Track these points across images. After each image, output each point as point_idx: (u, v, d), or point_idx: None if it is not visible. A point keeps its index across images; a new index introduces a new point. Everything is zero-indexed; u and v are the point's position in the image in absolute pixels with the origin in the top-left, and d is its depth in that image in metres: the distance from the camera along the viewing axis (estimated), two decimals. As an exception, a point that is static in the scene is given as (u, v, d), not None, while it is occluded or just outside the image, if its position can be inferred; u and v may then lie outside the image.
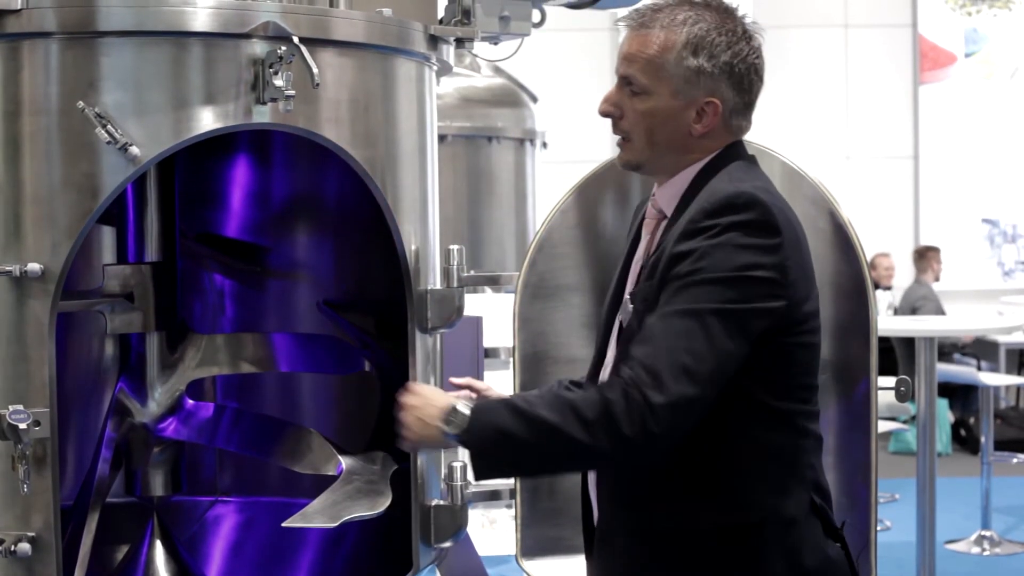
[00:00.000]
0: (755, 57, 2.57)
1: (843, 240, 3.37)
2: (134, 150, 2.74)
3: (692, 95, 2.52)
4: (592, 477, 2.71)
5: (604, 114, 2.58)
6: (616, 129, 2.59)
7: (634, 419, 2.34)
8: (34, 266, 2.74)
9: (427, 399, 2.52)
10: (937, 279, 11.69)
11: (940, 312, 10.96)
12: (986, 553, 7.71)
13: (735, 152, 2.59)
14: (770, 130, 11.84)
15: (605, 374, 2.64)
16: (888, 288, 11.88)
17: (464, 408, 2.46)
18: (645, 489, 2.52)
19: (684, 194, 2.54)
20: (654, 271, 2.47)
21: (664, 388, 2.33)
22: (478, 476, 2.48)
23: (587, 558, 2.78)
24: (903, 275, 12.49)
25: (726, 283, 2.36)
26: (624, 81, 2.55)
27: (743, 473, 2.48)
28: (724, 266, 2.37)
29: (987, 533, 7.83)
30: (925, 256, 11.77)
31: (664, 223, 2.58)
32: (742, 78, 2.55)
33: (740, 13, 2.60)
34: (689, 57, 2.49)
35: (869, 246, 3.50)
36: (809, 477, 2.54)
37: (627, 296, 2.60)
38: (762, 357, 2.42)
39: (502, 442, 2.43)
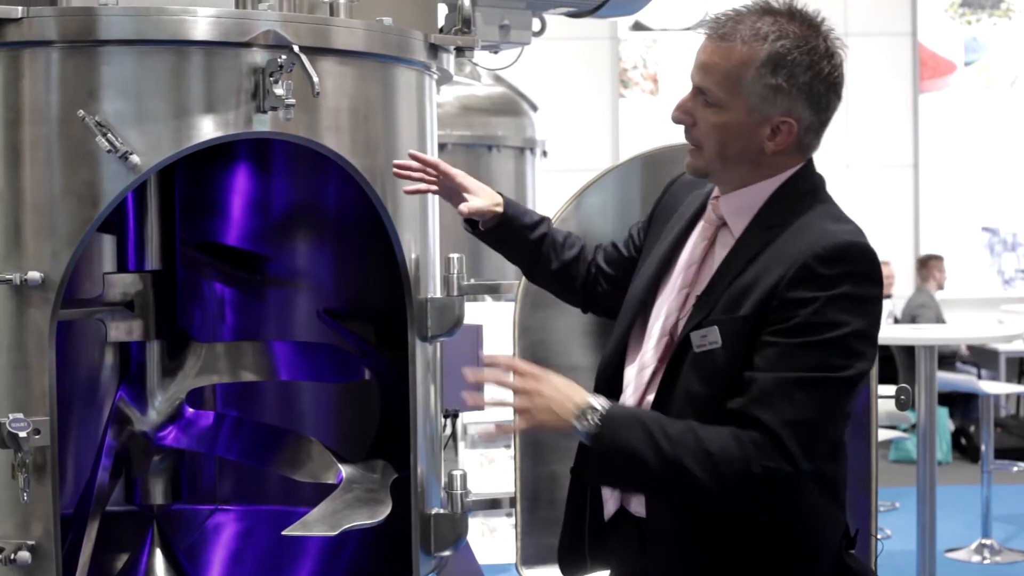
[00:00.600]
0: (836, 76, 2.53)
1: (843, 248, 3.36)
2: (134, 159, 2.74)
3: (767, 113, 2.45)
4: None
5: (677, 121, 2.52)
6: (688, 136, 2.54)
7: (775, 488, 2.37)
8: (34, 274, 2.74)
9: (564, 393, 2.45)
10: (940, 287, 11.68)
11: (939, 320, 10.96)
12: (986, 562, 7.70)
13: (813, 175, 2.55)
14: (770, 138, 11.86)
15: (641, 379, 2.60)
16: (888, 296, 11.87)
17: (599, 407, 2.42)
18: (705, 530, 2.50)
19: (759, 213, 2.50)
20: (740, 303, 2.42)
21: (812, 457, 2.35)
22: (590, 482, 2.52)
23: (591, 550, 2.75)
24: (903, 283, 12.49)
25: (844, 342, 2.34)
26: (698, 90, 2.50)
27: (807, 507, 2.47)
28: (842, 324, 2.34)
29: (987, 542, 7.82)
30: (927, 265, 11.77)
31: (725, 233, 2.54)
32: (820, 98, 2.50)
33: (826, 27, 2.54)
34: (768, 75, 2.43)
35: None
36: (843, 497, 2.56)
37: (676, 311, 2.56)
38: None
39: (629, 462, 2.40)
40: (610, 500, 2.69)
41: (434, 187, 3.04)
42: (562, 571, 2.82)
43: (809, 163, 2.56)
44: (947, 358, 10.92)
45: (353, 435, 3.64)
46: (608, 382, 2.68)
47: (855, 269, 2.36)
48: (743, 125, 2.46)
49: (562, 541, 2.80)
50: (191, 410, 3.48)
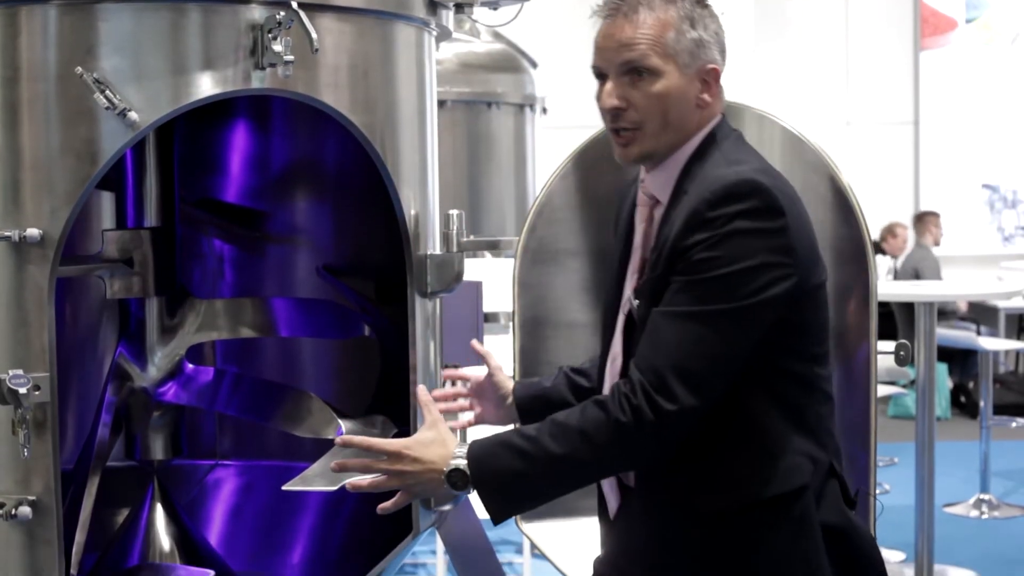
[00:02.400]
0: (720, 24, 2.58)
1: (843, 205, 3.37)
2: (132, 115, 2.74)
3: (696, 66, 2.49)
4: None
5: (614, 108, 2.50)
6: (622, 123, 2.51)
7: (645, 432, 2.37)
8: (33, 232, 2.74)
9: (427, 464, 2.47)
10: (937, 243, 11.68)
11: (938, 275, 10.97)
12: (984, 516, 7.73)
13: (722, 127, 2.56)
14: (771, 96, 11.83)
15: (613, 368, 2.63)
16: (894, 257, 11.87)
17: (460, 459, 2.44)
18: (679, 475, 2.51)
19: (679, 178, 2.51)
20: (658, 263, 2.46)
21: (675, 397, 2.35)
22: (495, 521, 2.48)
23: (602, 522, 2.77)
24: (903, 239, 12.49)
25: (736, 277, 2.35)
26: (624, 70, 2.49)
27: (777, 441, 2.47)
28: (732, 259, 2.35)
29: (986, 497, 7.85)
30: (923, 220, 11.76)
31: (660, 210, 2.55)
32: (723, 46, 2.55)
33: None
34: (689, 30, 2.47)
35: (869, 211, 3.50)
36: (829, 443, 2.55)
37: (631, 291, 2.58)
38: (778, 331, 2.42)
39: (513, 485, 2.44)
40: (611, 497, 2.71)
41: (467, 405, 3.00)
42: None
43: (721, 122, 2.57)
44: (945, 315, 10.93)
45: (353, 391, 3.64)
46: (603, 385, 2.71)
47: (746, 206, 2.36)
48: (679, 86, 2.48)
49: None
50: (191, 366, 3.49)
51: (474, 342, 2.96)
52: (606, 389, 2.64)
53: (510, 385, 2.89)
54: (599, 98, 2.53)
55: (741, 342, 2.39)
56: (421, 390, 2.71)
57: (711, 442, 2.46)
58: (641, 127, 2.50)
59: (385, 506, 2.53)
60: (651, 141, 2.51)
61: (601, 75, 2.54)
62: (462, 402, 2.99)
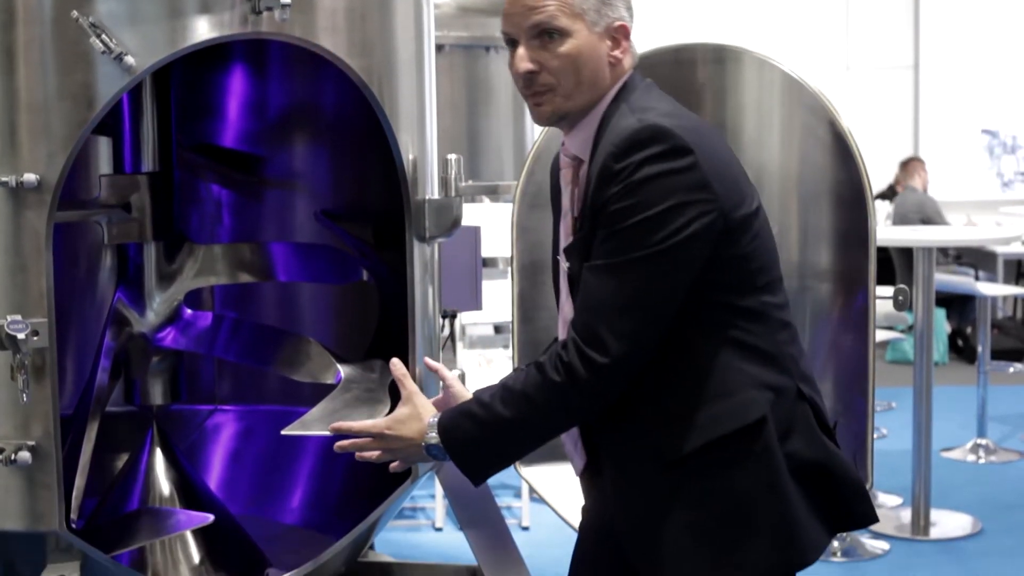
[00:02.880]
0: None
1: (843, 149, 3.36)
2: (129, 60, 2.72)
3: (604, 23, 2.49)
4: None
5: (528, 73, 2.49)
6: (536, 86, 2.52)
7: (581, 388, 2.42)
8: (30, 176, 2.73)
9: (407, 439, 2.61)
10: (925, 188, 11.65)
11: (942, 217, 10.96)
12: (981, 461, 7.75)
13: (633, 83, 2.56)
14: (770, 40, 11.78)
15: (567, 329, 2.65)
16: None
17: (432, 428, 2.57)
18: (639, 422, 2.52)
19: (596, 135, 2.52)
20: (584, 222, 2.48)
21: (606, 349, 2.38)
22: (476, 483, 2.59)
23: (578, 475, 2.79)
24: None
25: (653, 221, 2.36)
26: (533, 33, 2.49)
27: (731, 377, 2.48)
28: (647, 204, 2.36)
29: (982, 441, 7.86)
30: (909, 166, 11.71)
31: (583, 168, 2.55)
32: (629, 3, 2.55)
33: None
34: None
35: (868, 156, 3.49)
36: (793, 369, 2.55)
37: (562, 252, 2.60)
38: (714, 267, 2.43)
39: (479, 450, 2.54)
40: (575, 457, 2.74)
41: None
42: None
43: (633, 75, 2.57)
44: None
45: (351, 336, 3.65)
46: None
47: (651, 152, 2.37)
48: (589, 43, 2.48)
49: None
50: (189, 311, 3.49)
51: (426, 359, 2.97)
52: None
53: (468, 395, 2.90)
54: (512, 65, 2.53)
55: (669, 285, 2.40)
56: (395, 364, 2.77)
57: (665, 386, 2.48)
58: (554, 88, 2.51)
59: (395, 465, 2.67)
60: (565, 101, 2.52)
61: (512, 41, 2.53)
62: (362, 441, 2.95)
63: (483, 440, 2.52)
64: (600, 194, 2.40)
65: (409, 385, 2.68)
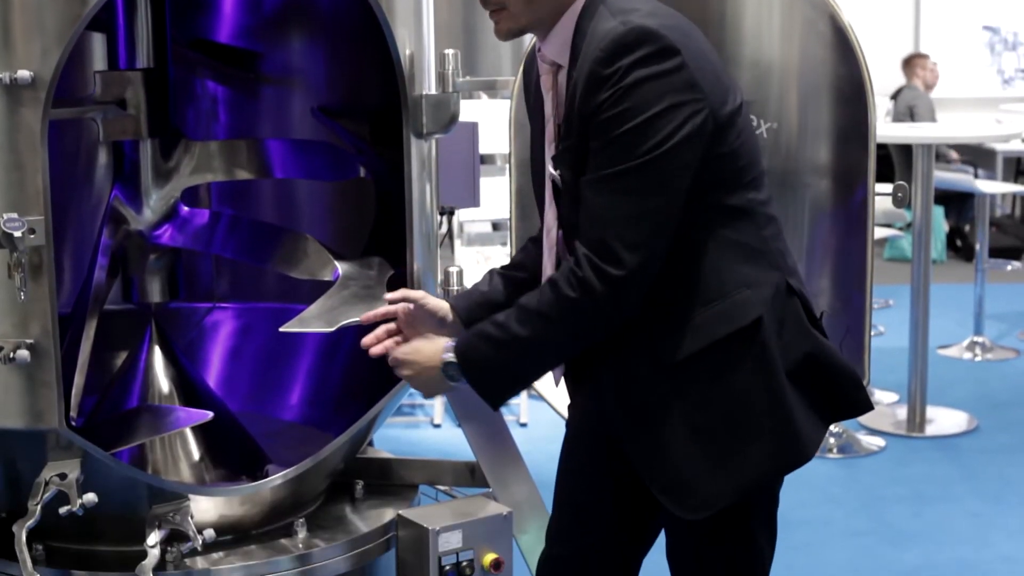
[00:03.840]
0: None
1: (843, 44, 3.34)
2: (122, -48, 2.69)
3: None
4: None
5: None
6: (490, 5, 2.53)
7: (598, 302, 2.41)
8: (24, 73, 2.71)
9: (420, 362, 2.64)
10: (929, 86, 11.58)
11: (932, 117, 10.92)
12: (978, 359, 7.79)
13: None
14: (770, -66, 11.66)
15: (550, 239, 2.65)
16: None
17: (450, 353, 2.57)
18: (637, 328, 2.52)
19: (573, 40, 2.49)
20: (571, 129, 2.45)
21: (620, 261, 2.37)
22: (494, 406, 2.61)
23: (569, 382, 2.79)
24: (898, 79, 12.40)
25: (648, 126, 2.35)
26: None
27: (724, 277, 2.48)
28: (640, 109, 2.34)
29: (979, 339, 7.90)
30: (911, 63, 11.65)
31: (562, 73, 2.53)
32: None
33: None
34: None
35: (869, 52, 3.47)
36: (781, 264, 2.55)
37: (550, 160, 2.57)
38: (703, 167, 2.42)
39: (498, 373, 2.55)
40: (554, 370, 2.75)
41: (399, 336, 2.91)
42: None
43: None
44: (937, 160, 10.89)
45: (349, 233, 3.64)
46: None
47: (639, 54, 2.35)
48: None
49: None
50: (186, 209, 3.48)
51: (387, 295, 2.93)
52: (546, 259, 2.68)
53: (445, 304, 2.88)
54: None
55: (672, 189, 2.39)
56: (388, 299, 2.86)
57: (659, 291, 2.47)
58: (505, 6, 2.50)
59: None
60: (518, 18, 2.52)
61: None
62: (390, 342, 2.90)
63: (501, 361, 2.53)
64: (589, 100, 2.38)
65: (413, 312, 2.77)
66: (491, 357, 2.52)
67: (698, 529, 2.61)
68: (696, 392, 2.51)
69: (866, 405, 2.63)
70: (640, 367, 2.53)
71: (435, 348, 2.60)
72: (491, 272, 2.91)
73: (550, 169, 2.56)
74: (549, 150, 2.60)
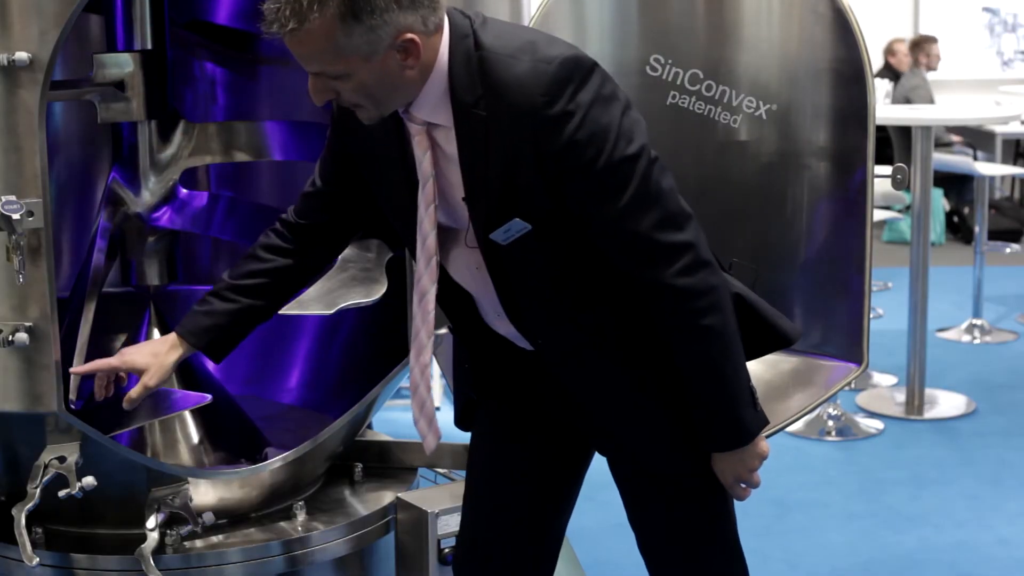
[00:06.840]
0: None
1: (842, 25, 3.32)
2: (120, -66, 2.69)
3: (382, 47, 2.34)
4: (493, 316, 2.67)
5: (324, 103, 2.42)
6: (344, 104, 2.44)
7: (706, 283, 2.44)
8: (22, 55, 2.70)
9: None
10: (932, 69, 11.58)
11: (930, 102, 10.90)
12: (976, 341, 7.79)
13: (459, 26, 2.44)
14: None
15: (425, 304, 2.61)
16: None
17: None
18: (586, 319, 2.55)
19: (452, 95, 2.42)
20: (513, 182, 2.40)
21: (679, 250, 2.41)
22: (755, 435, 2.57)
23: (514, 396, 2.79)
24: (903, 64, 12.38)
25: (618, 139, 2.36)
26: (318, 74, 2.38)
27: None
28: (606, 125, 2.35)
29: (978, 322, 7.90)
30: (919, 46, 11.65)
31: (444, 131, 2.46)
32: (408, 3, 2.35)
33: None
34: (354, 25, 2.30)
35: (869, 33, 3.46)
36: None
37: (472, 226, 2.50)
38: None
39: (740, 394, 2.53)
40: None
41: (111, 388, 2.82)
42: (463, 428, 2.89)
43: (450, 27, 2.44)
44: (939, 147, 10.88)
45: (348, 216, 3.63)
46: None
47: (577, 83, 2.35)
48: (374, 72, 2.36)
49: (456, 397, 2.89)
50: (185, 191, 3.47)
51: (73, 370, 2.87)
52: (416, 328, 2.64)
53: (153, 350, 2.79)
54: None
55: (667, 177, 2.44)
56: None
57: (604, 294, 2.53)
58: (361, 105, 2.42)
59: None
60: (377, 111, 2.44)
61: None
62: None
63: (730, 390, 2.51)
64: (551, 142, 2.35)
65: None
66: (727, 397, 2.51)
67: (667, 488, 2.64)
68: (655, 375, 2.56)
69: (795, 332, 2.69)
70: (598, 357, 2.57)
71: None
72: (212, 293, 2.76)
73: (497, 236, 2.46)
74: (427, 211, 2.52)
